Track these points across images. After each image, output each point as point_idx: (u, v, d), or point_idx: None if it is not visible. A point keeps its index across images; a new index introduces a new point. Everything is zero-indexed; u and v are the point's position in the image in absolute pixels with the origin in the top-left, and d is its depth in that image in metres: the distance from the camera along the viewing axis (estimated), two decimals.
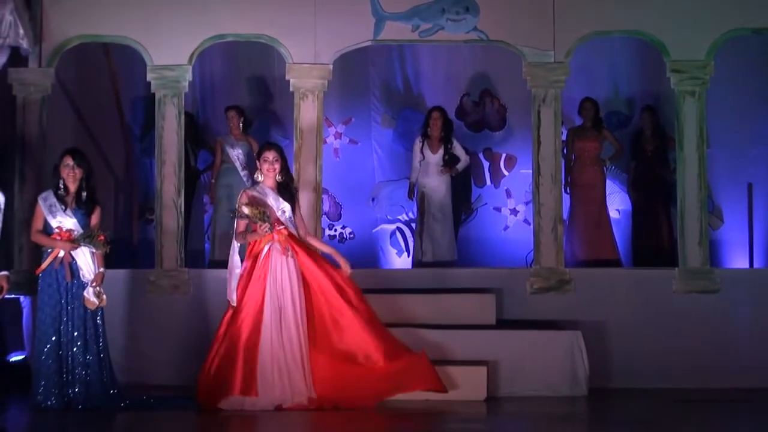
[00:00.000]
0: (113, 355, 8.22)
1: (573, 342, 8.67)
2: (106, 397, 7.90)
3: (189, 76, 9.59)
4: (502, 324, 8.99)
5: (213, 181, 10.73)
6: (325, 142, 10.69)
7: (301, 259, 7.96)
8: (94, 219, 8.08)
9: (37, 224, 8.01)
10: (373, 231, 11.59)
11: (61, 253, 7.91)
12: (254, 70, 11.60)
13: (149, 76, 9.56)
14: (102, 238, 7.94)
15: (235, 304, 7.89)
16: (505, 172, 11.64)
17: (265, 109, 11.71)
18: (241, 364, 7.74)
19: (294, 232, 8.09)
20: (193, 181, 10.68)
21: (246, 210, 7.88)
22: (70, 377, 7.86)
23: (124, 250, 9.86)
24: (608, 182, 10.95)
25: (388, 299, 9.05)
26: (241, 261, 8.03)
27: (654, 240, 11.01)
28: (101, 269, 7.98)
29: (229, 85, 11.65)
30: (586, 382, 8.61)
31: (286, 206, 8.09)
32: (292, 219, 8.11)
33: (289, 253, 7.94)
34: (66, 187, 8.02)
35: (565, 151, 10.47)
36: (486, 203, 11.58)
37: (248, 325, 7.81)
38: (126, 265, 9.48)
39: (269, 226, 7.88)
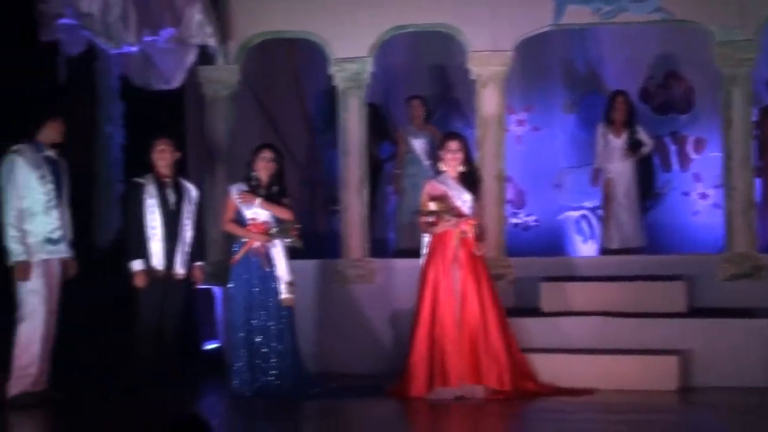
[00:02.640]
0: (301, 343, 8.37)
1: None
2: (297, 385, 8.05)
3: (370, 68, 9.66)
4: (693, 312, 8.72)
5: (397, 171, 10.80)
6: (508, 129, 10.58)
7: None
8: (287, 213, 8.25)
9: (230, 214, 8.22)
10: (558, 218, 11.44)
11: (256, 245, 8.09)
12: (435, 60, 11.59)
13: (331, 70, 9.68)
14: (295, 232, 8.09)
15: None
16: (694, 156, 11.29)
17: (446, 98, 11.70)
18: (445, 355, 7.77)
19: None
20: (376, 172, 10.77)
21: (433, 206, 7.90)
22: (263, 365, 8.03)
23: (311, 241, 10.00)
24: None
25: (575, 287, 8.97)
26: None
27: None
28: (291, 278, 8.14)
29: (410, 75, 11.68)
30: None
31: (467, 196, 8.07)
32: (473, 208, 8.09)
33: (478, 245, 7.93)
34: (259, 180, 8.20)
35: (756, 132, 10.08)
36: (674, 188, 11.27)
37: (446, 316, 7.82)
38: (313, 256, 9.61)
39: (456, 219, 7.88)
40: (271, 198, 8.16)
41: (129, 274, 8.04)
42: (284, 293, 8.06)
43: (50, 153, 7.67)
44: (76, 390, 7.92)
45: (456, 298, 7.86)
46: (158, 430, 3.50)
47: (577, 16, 9.47)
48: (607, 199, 10.42)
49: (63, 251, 7.69)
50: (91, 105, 9.50)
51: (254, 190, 8.15)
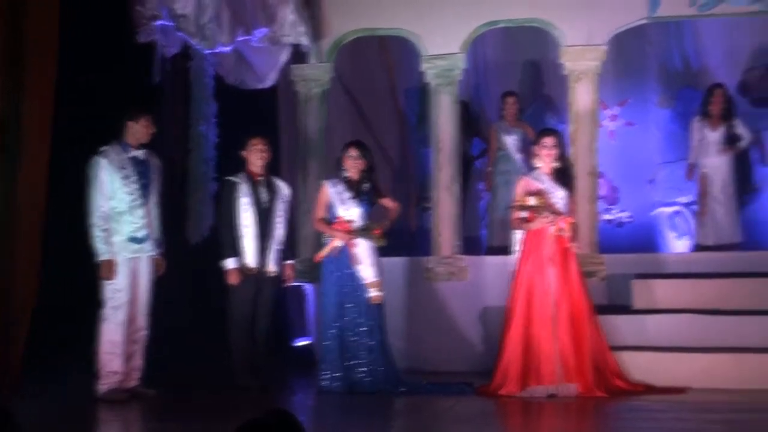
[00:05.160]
0: (392, 340, 8.38)
1: None
2: (387, 382, 8.07)
3: (462, 65, 9.64)
4: None
5: (489, 168, 10.77)
6: (601, 125, 10.46)
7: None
8: (387, 202, 8.34)
9: (320, 212, 8.26)
10: (652, 214, 11.29)
11: (340, 243, 8.15)
12: (526, 55, 11.51)
13: (423, 66, 9.67)
14: (378, 231, 8.12)
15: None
16: None
17: (538, 94, 11.63)
18: (540, 354, 7.73)
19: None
20: (466, 169, 10.74)
21: (532, 201, 7.85)
22: (353, 362, 8.06)
23: (403, 237, 10.05)
24: None
25: (668, 284, 8.84)
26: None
27: None
28: (377, 278, 8.14)
29: (501, 71, 11.63)
30: None
31: (562, 193, 8.00)
32: (568, 205, 8.02)
33: (574, 245, 7.88)
34: (349, 178, 8.23)
35: None
36: None
37: (541, 314, 7.77)
38: (404, 253, 9.64)
39: (553, 216, 7.82)
40: (361, 195, 8.20)
41: (222, 271, 8.14)
42: (372, 292, 8.09)
43: (137, 153, 7.80)
44: (169, 386, 8.07)
45: (551, 297, 7.80)
46: (247, 426, 3.54)
47: (673, 8, 9.32)
48: (703, 195, 10.25)
49: (149, 250, 7.83)
50: (186, 104, 9.67)
51: (349, 186, 8.19)
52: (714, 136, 10.20)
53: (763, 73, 11.19)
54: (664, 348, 8.29)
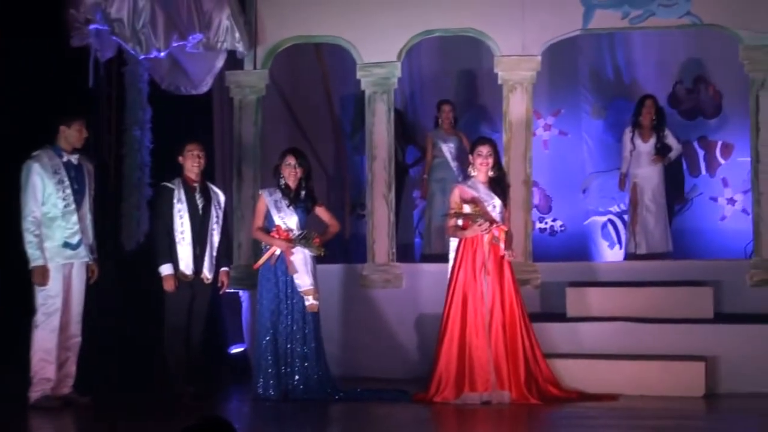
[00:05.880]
0: (327, 347, 8.38)
1: None
2: (322, 389, 8.07)
3: (398, 73, 9.67)
4: (720, 318, 8.67)
5: (425, 176, 10.80)
6: (535, 134, 10.55)
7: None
8: (324, 214, 8.35)
9: (258, 221, 8.23)
10: (584, 223, 11.42)
11: (278, 252, 8.13)
12: (461, 64, 11.59)
13: (359, 74, 9.69)
14: (317, 240, 8.12)
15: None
16: (722, 161, 11.23)
17: (473, 103, 11.70)
18: (473, 361, 7.76)
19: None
20: (401, 176, 10.78)
21: (467, 209, 7.90)
22: (288, 369, 8.05)
23: (337, 245, 10.05)
24: None
25: (601, 293, 8.94)
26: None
27: None
28: (314, 286, 8.15)
29: (436, 81, 11.69)
30: None
31: (497, 201, 8.06)
32: (502, 214, 8.08)
33: (508, 253, 7.92)
34: (287, 186, 8.23)
35: None
36: (701, 193, 11.22)
37: (475, 322, 7.80)
38: (339, 260, 9.64)
39: (488, 224, 7.87)
40: (298, 203, 8.20)
41: (157, 278, 8.08)
42: (308, 300, 8.09)
43: (71, 158, 7.73)
44: (102, 393, 7.98)
45: (485, 304, 7.84)
46: None
47: (605, 20, 9.43)
48: (634, 204, 10.38)
49: (83, 256, 7.75)
50: (120, 109, 9.59)
51: (286, 194, 8.18)
52: (645, 146, 10.35)
53: (691, 85, 11.38)
54: (597, 355, 8.38)
